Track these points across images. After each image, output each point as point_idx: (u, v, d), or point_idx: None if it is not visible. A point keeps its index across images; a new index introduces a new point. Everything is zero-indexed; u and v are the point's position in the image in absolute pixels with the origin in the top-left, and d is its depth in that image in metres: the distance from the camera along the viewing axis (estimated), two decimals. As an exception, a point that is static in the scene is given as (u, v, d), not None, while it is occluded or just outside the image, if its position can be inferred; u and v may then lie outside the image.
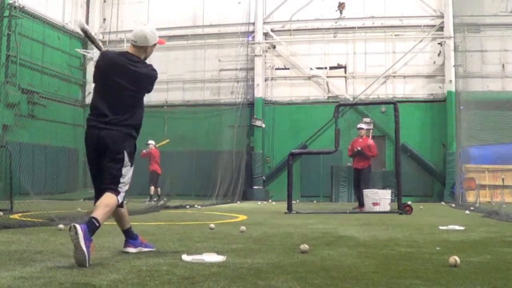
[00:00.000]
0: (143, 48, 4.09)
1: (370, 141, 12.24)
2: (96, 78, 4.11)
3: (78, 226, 3.37)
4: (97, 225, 3.58)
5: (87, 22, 20.82)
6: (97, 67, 4.12)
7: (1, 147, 11.82)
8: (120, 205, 4.08)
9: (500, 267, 3.63)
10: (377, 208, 10.98)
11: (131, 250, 4.20)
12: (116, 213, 4.12)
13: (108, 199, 3.79)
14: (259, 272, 3.33)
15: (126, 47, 19.94)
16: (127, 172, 3.96)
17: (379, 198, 11.13)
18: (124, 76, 3.96)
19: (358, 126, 12.60)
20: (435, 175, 18.21)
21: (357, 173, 12.17)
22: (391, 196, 11.58)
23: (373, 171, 13.30)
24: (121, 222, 4.23)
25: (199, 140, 18.07)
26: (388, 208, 10.99)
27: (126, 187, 3.98)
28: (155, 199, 14.66)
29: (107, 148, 3.89)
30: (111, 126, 3.90)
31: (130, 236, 4.25)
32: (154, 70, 4.15)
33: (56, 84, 18.16)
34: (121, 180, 3.91)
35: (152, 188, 15.56)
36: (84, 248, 3.33)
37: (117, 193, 3.86)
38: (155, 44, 4.15)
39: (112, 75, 3.97)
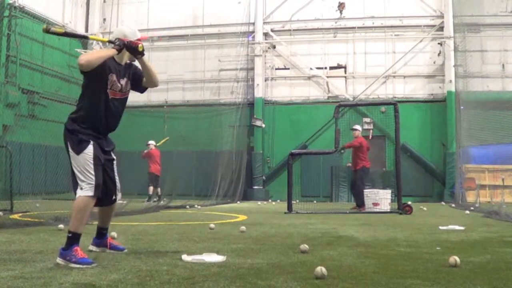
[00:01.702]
0: None
1: (358, 138, 12.19)
2: None
3: (57, 260, 3.57)
4: (71, 235, 3.64)
5: (87, 22, 20.84)
6: None
7: (1, 147, 11.83)
8: (109, 203, 4.08)
9: (500, 267, 3.63)
10: (377, 208, 10.98)
11: (93, 248, 4.23)
12: (101, 211, 4.19)
13: (75, 203, 3.75)
14: (259, 272, 3.33)
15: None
16: (76, 161, 3.80)
17: (379, 198, 11.13)
18: None
19: (353, 127, 12.55)
20: (435, 175, 18.20)
21: (353, 174, 12.24)
22: (391, 196, 11.58)
23: (372, 171, 13.27)
24: (101, 219, 4.26)
25: (199, 140, 18.06)
26: (388, 208, 10.99)
27: (87, 175, 3.75)
28: (155, 199, 14.65)
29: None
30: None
31: (98, 235, 4.27)
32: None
33: (56, 84, 18.14)
34: (75, 172, 3.80)
35: (151, 188, 15.56)
36: (77, 265, 3.45)
37: (78, 189, 3.76)
38: (139, 40, 4.06)
39: None
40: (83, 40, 20.29)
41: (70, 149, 3.85)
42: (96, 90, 3.89)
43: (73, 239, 3.62)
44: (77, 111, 3.94)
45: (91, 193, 3.72)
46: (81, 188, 3.74)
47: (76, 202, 3.73)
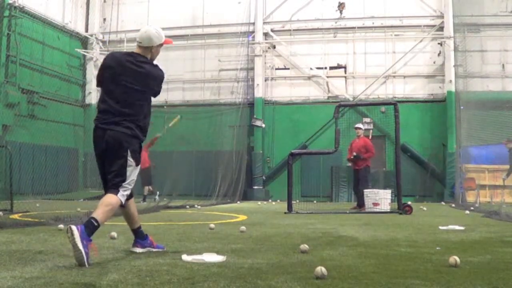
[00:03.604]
0: (149, 48, 4.12)
1: (367, 141, 12.25)
2: (101, 79, 4.08)
3: (73, 227, 3.41)
4: (96, 224, 3.60)
5: (87, 22, 20.85)
6: (104, 67, 4.09)
7: (1, 147, 11.83)
8: (125, 205, 4.10)
9: (500, 267, 3.63)
10: (377, 208, 10.98)
11: (139, 250, 4.22)
12: (124, 213, 4.18)
13: (109, 199, 3.80)
14: (259, 272, 3.33)
15: (126, 47, 19.92)
16: (131, 172, 3.96)
17: (379, 198, 11.13)
18: (131, 76, 3.98)
19: (356, 126, 12.61)
20: (435, 175, 18.21)
21: (356, 173, 12.23)
22: (391, 196, 11.58)
23: (372, 171, 13.29)
24: (129, 221, 4.26)
25: (199, 140, 18.07)
26: (388, 208, 10.99)
27: (130, 187, 3.96)
28: (155, 197, 14.64)
29: (112, 148, 3.91)
30: (116, 127, 3.91)
31: (138, 236, 4.27)
32: (161, 71, 4.16)
33: (56, 84, 18.15)
34: (124, 180, 3.91)
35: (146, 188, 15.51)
36: (81, 248, 3.36)
37: (117, 192, 3.86)
38: (161, 44, 4.15)
39: (119, 76, 3.98)
40: (83, 39, 20.32)
41: (130, 157, 3.94)
42: (149, 104, 4.14)
43: (96, 230, 3.60)
44: (140, 118, 4.03)
45: (123, 200, 3.91)
46: (124, 190, 3.88)
47: (114, 198, 3.81)
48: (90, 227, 3.55)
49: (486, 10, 17.48)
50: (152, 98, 4.21)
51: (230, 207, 13.39)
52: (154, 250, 4.25)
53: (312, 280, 3.04)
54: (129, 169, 3.93)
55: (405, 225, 7.54)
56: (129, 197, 4.15)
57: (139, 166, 4.02)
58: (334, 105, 12.39)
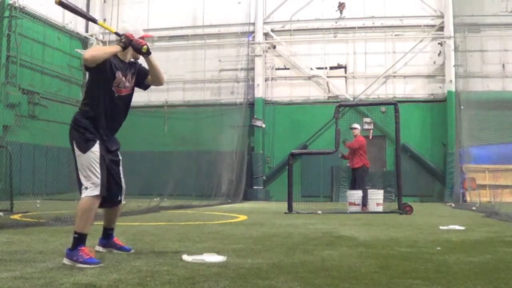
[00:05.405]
0: None
1: (358, 138, 12.14)
2: None
3: (64, 260, 3.58)
4: (76, 236, 3.62)
5: (87, 22, 20.85)
6: None
7: (2, 147, 11.83)
8: (114, 205, 4.07)
9: (500, 267, 3.63)
10: (378, 208, 10.99)
11: (100, 249, 4.22)
12: (107, 211, 4.19)
13: (80, 203, 3.72)
14: (260, 272, 3.33)
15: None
16: (81, 160, 3.75)
17: (378, 198, 11.13)
18: None
19: (352, 126, 12.55)
20: (435, 175, 18.21)
21: (353, 172, 12.25)
22: (391, 196, 11.57)
23: (373, 171, 13.25)
24: (106, 219, 4.26)
25: (199, 140, 18.07)
26: (375, 208, 10.98)
27: (92, 174, 3.70)
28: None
29: None
30: None
31: (104, 236, 4.27)
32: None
33: (56, 85, 18.15)
34: (80, 172, 3.75)
35: None
36: (84, 265, 3.45)
37: (82, 189, 3.71)
38: (142, 38, 4.07)
39: None
40: (83, 40, 20.32)
41: (75, 147, 3.79)
42: (101, 88, 3.87)
43: (79, 239, 3.61)
44: (83, 109, 3.90)
45: (96, 193, 3.69)
46: (86, 188, 3.70)
47: (81, 202, 3.70)
48: (75, 242, 3.60)
49: (486, 10, 17.49)
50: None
51: (230, 207, 13.39)
52: (115, 251, 4.19)
53: (312, 280, 3.04)
54: (78, 159, 3.76)
55: (405, 225, 7.54)
56: (118, 202, 4.11)
57: (89, 152, 3.74)
58: (334, 105, 12.38)
